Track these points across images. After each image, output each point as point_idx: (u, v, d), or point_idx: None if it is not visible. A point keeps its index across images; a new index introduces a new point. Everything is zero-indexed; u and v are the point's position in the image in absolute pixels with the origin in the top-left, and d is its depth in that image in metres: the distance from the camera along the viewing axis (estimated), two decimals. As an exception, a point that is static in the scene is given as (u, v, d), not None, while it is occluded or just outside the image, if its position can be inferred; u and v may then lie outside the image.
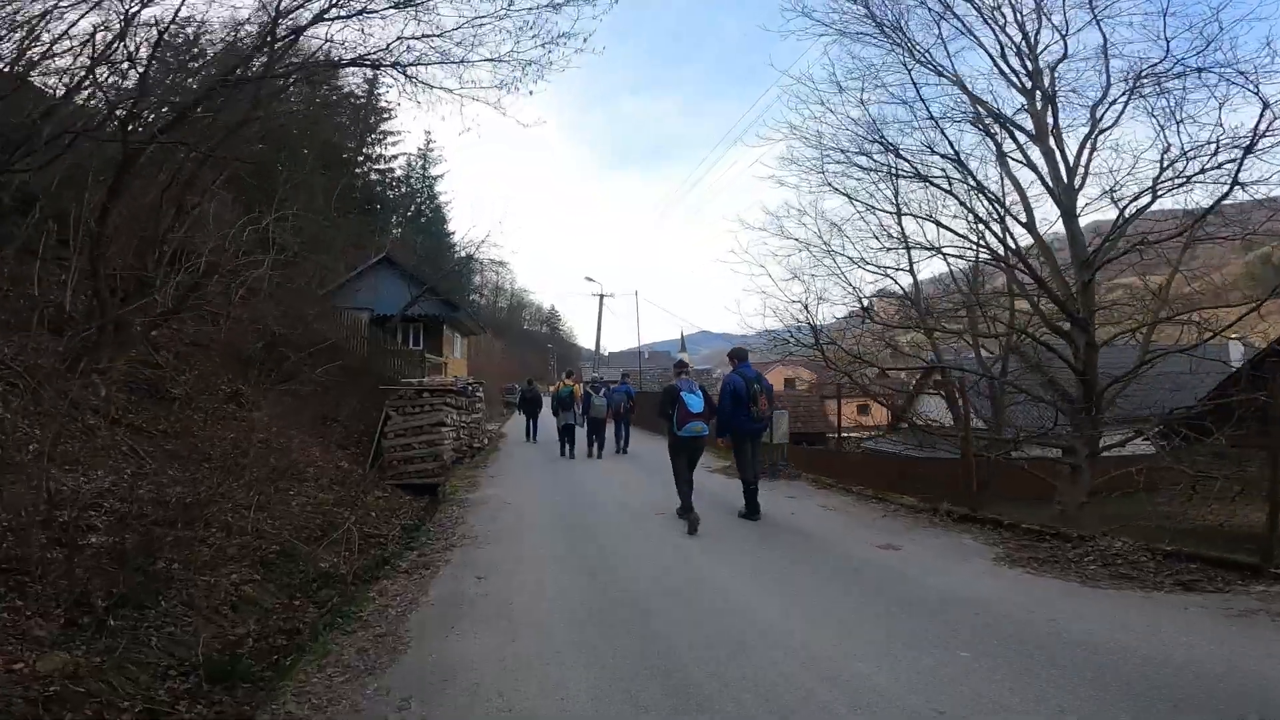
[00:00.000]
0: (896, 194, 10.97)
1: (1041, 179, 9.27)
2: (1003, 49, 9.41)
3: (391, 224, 39.06)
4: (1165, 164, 7.65)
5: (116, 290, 7.82)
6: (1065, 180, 9.07)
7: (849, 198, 11.29)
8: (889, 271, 11.84)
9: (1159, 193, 8.03)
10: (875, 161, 9.77)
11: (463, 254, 18.35)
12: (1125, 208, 8.39)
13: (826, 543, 5.06)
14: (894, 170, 10.06)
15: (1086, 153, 8.81)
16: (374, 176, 36.88)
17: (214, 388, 9.47)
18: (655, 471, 9.55)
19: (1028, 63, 9.39)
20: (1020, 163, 9.45)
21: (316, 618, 4.67)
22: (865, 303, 9.33)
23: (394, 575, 4.62)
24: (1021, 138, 9.35)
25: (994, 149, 9.55)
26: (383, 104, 38.11)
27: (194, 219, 8.10)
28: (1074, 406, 9.51)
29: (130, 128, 6.66)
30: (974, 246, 10.22)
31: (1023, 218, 9.48)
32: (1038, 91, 9.33)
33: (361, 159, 36.19)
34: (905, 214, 10.56)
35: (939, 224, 9.81)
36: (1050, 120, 8.99)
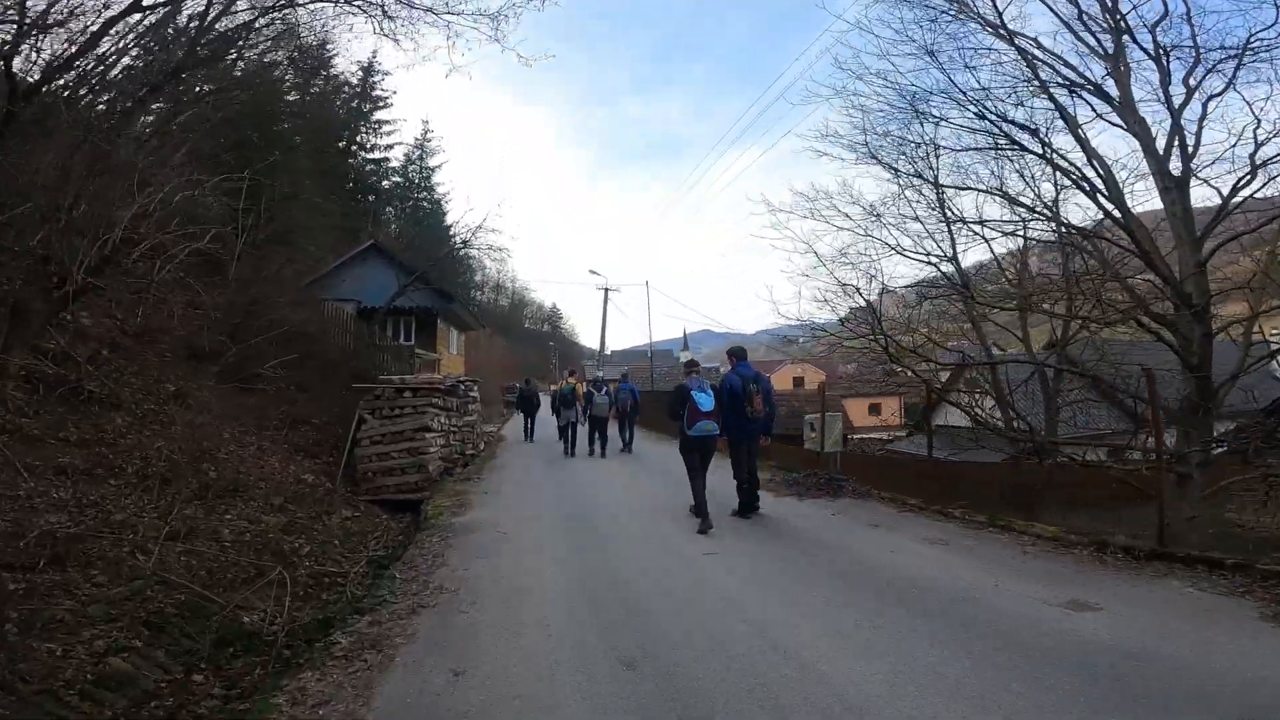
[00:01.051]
0: (937, 178, 9.71)
1: (1148, 149, 7.90)
2: (1080, 11, 8.06)
3: (389, 217, 37.56)
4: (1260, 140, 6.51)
5: (17, 269, 6.32)
6: (1162, 152, 7.75)
7: (894, 170, 9.90)
8: (932, 259, 10.62)
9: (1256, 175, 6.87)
10: (941, 126, 8.28)
11: (459, 240, 16.70)
12: (1241, 182, 7.05)
13: (976, 602, 3.44)
14: (934, 144, 8.86)
15: (1195, 122, 7.48)
16: (369, 167, 35.34)
17: (154, 386, 7.97)
18: (663, 474, 8.22)
19: (1108, 25, 8.06)
20: (1119, 126, 8.06)
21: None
22: (963, 279, 7.76)
23: (324, 663, 3.05)
24: (1101, 107, 8.01)
25: (1066, 120, 8.24)
26: (378, 92, 36.94)
27: (109, 185, 6.55)
28: (1184, 407, 8.02)
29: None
30: (1045, 220, 8.84)
31: (1105, 192, 8.10)
32: (1120, 58, 8.05)
33: (355, 148, 34.70)
34: (952, 186, 9.22)
35: (1012, 200, 8.36)
36: (1158, 85, 7.68)
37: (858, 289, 7.80)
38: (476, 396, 12.70)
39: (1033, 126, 8.26)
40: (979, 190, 9.27)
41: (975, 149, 8.34)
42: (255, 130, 17.86)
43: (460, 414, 10.45)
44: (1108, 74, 8.25)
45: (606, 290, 32.88)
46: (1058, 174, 8.68)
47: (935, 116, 8.01)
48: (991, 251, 11.22)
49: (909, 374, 8.27)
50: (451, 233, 20.04)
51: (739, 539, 5.17)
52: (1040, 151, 7.65)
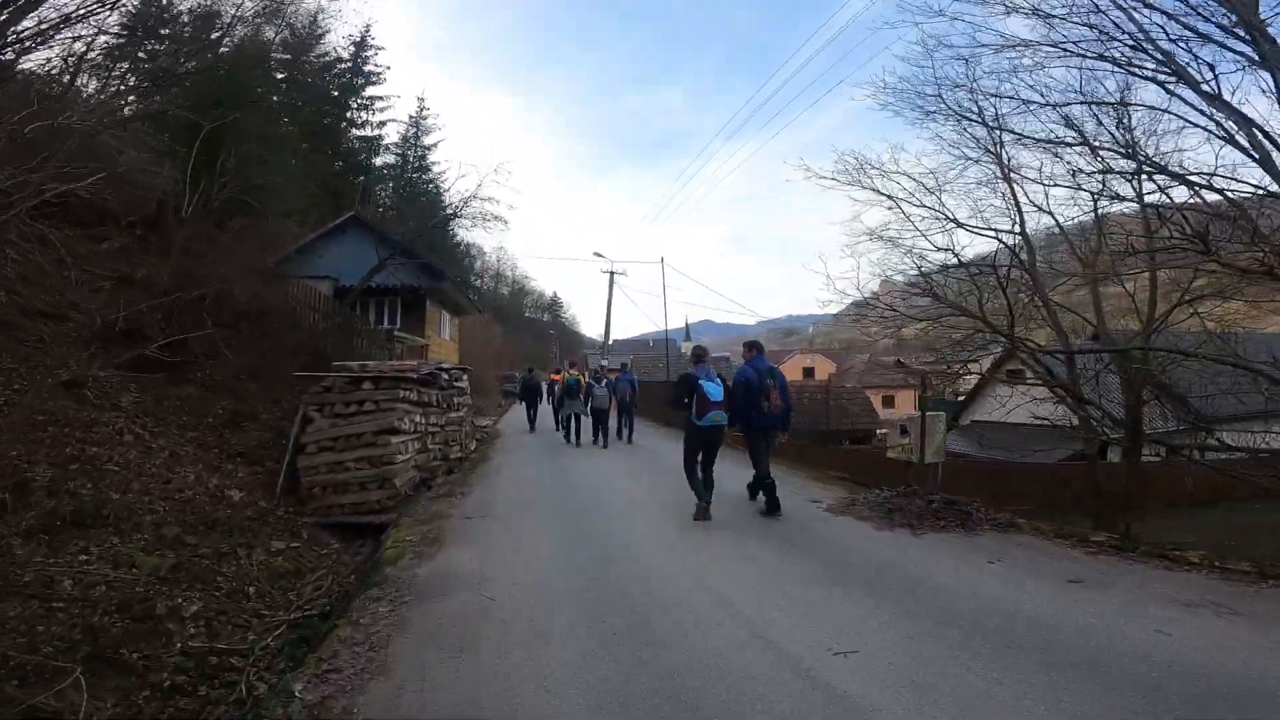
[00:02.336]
0: (1001, 135, 8.29)
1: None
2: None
3: (386, 201, 35.54)
4: None
5: None
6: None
7: (963, 118, 8.32)
8: (1001, 234, 9.36)
9: None
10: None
11: (450, 208, 14.78)
12: None
13: None
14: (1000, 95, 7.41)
15: None
16: (360, 144, 33.42)
17: (43, 375, 6.20)
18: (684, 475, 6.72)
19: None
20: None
21: None
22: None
23: None
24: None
25: (1186, 79, 6.59)
26: (370, 67, 34.96)
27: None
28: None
29: None
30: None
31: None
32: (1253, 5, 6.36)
33: (345, 124, 32.79)
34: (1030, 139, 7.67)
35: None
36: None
37: (957, 255, 5.99)
38: (466, 388, 10.88)
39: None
40: (1064, 144, 7.65)
41: (1074, 104, 6.57)
42: (230, 91, 16.00)
43: (443, 410, 8.63)
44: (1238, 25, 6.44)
45: (612, 273, 30.96)
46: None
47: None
48: (1058, 224, 9.76)
49: (1033, 366, 6.47)
50: (444, 202, 18.03)
51: (909, 643, 2.98)
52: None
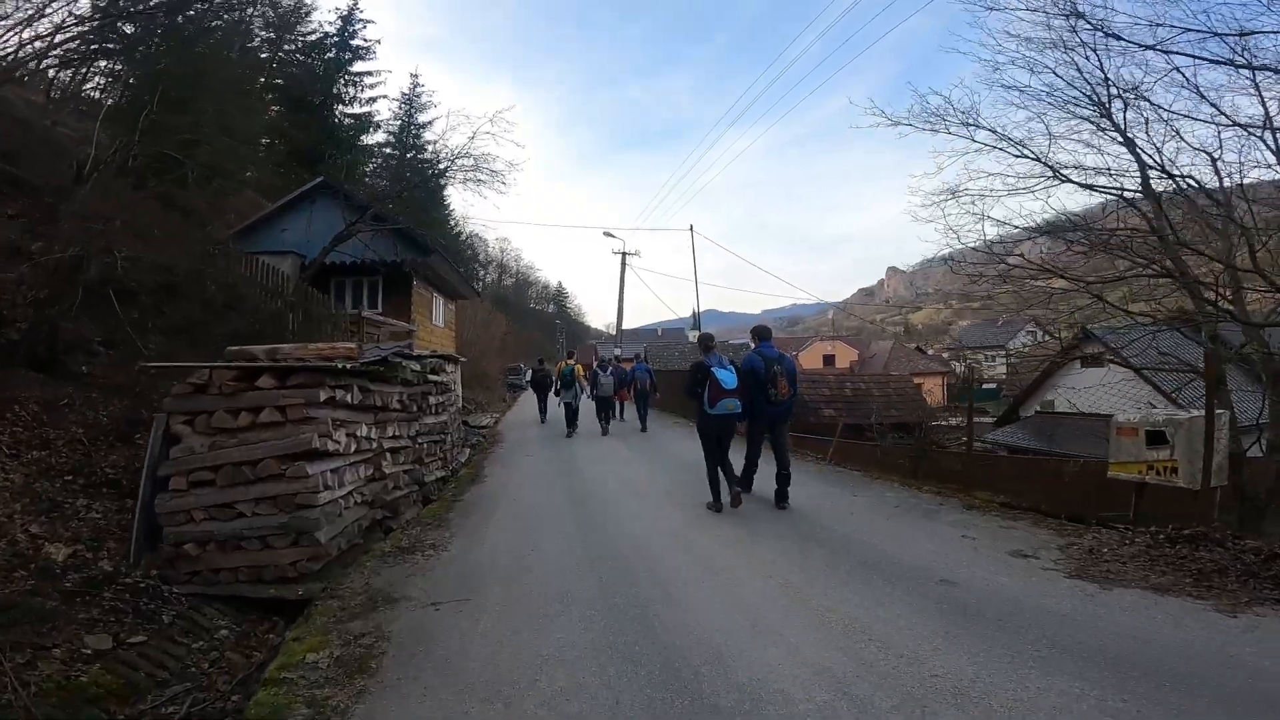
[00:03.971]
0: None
1: None
2: None
3: (373, 178, 33.27)
4: None
5: None
6: None
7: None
8: (1127, 193, 7.49)
9: None
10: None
11: (440, 161, 12.46)
12: None
13: None
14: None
15: None
16: (347, 122, 31.20)
17: None
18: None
19: None
20: None
21: None
22: None
23: None
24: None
25: None
26: (358, 41, 32.67)
27: None
28: None
29: None
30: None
31: None
32: None
33: (330, 100, 30.60)
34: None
35: None
36: None
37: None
38: (449, 383, 8.68)
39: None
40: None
41: None
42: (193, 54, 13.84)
43: (412, 415, 6.42)
44: None
45: (624, 254, 28.61)
46: None
47: None
48: (1177, 184, 7.78)
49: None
50: (436, 165, 15.17)
51: None
52: None
